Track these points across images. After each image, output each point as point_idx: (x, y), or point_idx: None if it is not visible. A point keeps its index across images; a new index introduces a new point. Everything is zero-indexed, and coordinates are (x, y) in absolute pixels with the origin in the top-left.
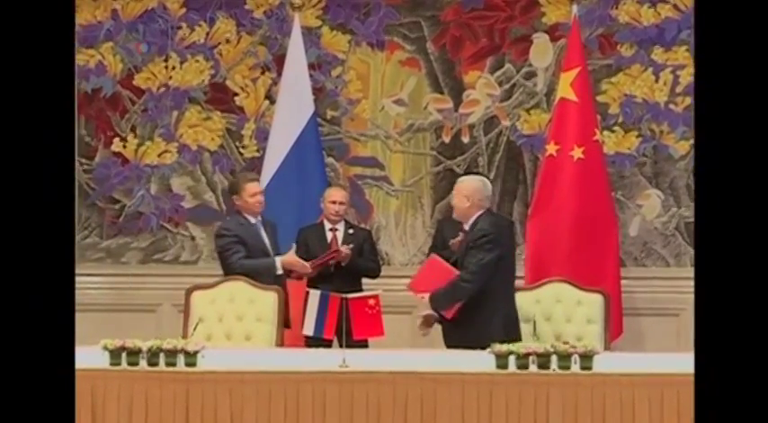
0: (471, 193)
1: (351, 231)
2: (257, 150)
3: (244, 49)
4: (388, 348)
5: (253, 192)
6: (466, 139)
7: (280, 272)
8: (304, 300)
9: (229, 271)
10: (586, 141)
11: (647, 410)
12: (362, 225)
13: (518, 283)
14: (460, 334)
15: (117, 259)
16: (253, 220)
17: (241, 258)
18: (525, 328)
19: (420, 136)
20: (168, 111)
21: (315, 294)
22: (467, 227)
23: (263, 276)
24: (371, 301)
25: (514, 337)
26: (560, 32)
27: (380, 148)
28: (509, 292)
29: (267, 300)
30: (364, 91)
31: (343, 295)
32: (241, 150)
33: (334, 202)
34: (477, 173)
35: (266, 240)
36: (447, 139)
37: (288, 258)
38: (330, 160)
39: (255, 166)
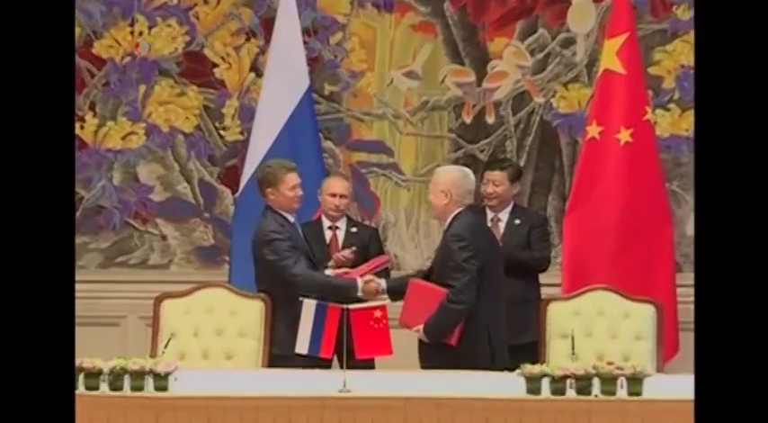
0: (450, 186)
1: (354, 230)
2: (241, 133)
3: (225, 12)
4: (396, 369)
5: (292, 184)
6: (491, 120)
7: (360, 293)
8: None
9: (291, 286)
10: (635, 122)
11: None
12: (367, 222)
13: (553, 291)
14: (439, 360)
15: None
16: (291, 219)
17: (309, 269)
18: (561, 346)
19: (436, 115)
20: (134, 85)
21: (309, 305)
22: (444, 229)
23: (332, 297)
24: (378, 313)
25: (503, 362)
26: None
27: (388, 131)
28: (495, 309)
29: (252, 310)
30: (369, 62)
31: (344, 306)
32: (221, 132)
33: (333, 195)
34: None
35: (306, 245)
36: (468, 120)
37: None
38: (328, 145)
39: (238, 151)
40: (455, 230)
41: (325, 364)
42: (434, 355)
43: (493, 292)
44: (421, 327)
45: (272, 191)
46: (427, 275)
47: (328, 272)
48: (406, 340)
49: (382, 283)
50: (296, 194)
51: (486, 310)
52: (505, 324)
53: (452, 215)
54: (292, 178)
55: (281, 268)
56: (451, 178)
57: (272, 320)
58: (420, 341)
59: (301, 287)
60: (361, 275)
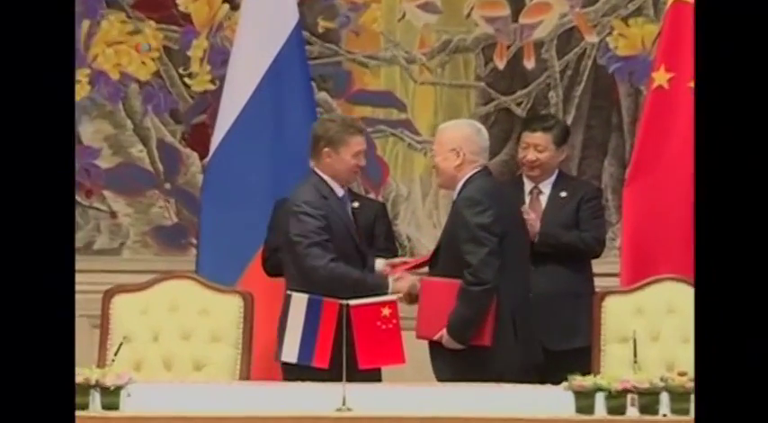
0: (461, 143)
1: (355, 205)
2: (211, 81)
3: None
4: (409, 381)
5: (357, 149)
6: (530, 65)
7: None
8: (283, 308)
9: (310, 279)
10: None
11: None
12: (372, 195)
13: (609, 283)
14: (455, 362)
15: None
16: (341, 193)
17: (332, 261)
18: (620, 353)
19: (460, 59)
20: (76, 21)
21: (300, 300)
22: (454, 196)
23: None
24: (386, 311)
25: (535, 358)
26: None
27: (400, 79)
28: (520, 294)
29: (227, 308)
30: None
31: (344, 301)
32: (187, 81)
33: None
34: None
35: (353, 225)
36: (501, 65)
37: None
38: (323, 97)
39: (208, 104)
40: (467, 193)
41: (320, 376)
42: (451, 361)
43: (517, 273)
44: (444, 331)
45: (330, 152)
46: (434, 257)
47: (379, 264)
48: (421, 345)
49: (417, 283)
50: (357, 163)
51: (509, 295)
52: (542, 320)
53: (464, 179)
54: (359, 142)
55: (300, 254)
56: (462, 134)
57: (253, 320)
58: (432, 346)
59: (319, 280)
60: (408, 270)
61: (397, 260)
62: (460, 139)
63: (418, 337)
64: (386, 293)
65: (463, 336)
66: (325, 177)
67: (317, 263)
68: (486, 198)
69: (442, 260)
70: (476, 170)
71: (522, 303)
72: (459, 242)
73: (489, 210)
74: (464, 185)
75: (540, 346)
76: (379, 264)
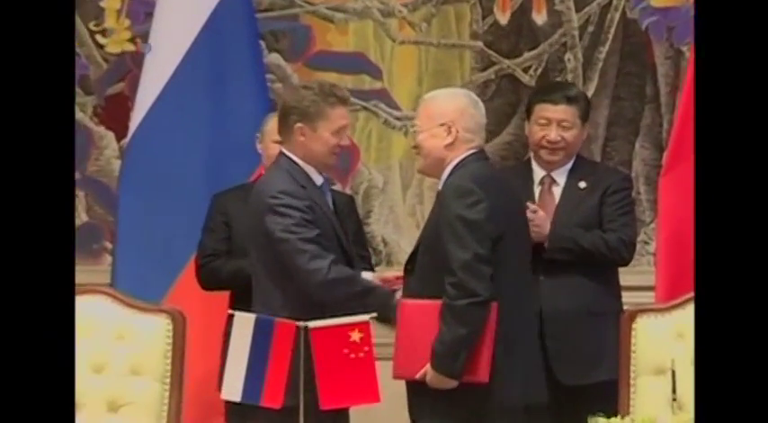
0: (453, 117)
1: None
2: (131, 41)
3: None
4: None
5: (339, 125)
6: (540, 18)
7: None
8: (224, 331)
9: (308, 284)
10: None
11: None
12: (338, 186)
13: (641, 298)
14: (437, 401)
15: None
16: (319, 181)
17: (332, 262)
18: (655, 387)
19: (451, 12)
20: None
21: (245, 321)
22: (440, 186)
23: (366, 308)
24: (356, 335)
25: (540, 397)
26: None
27: (373, 37)
28: (521, 312)
29: (152, 332)
30: None
31: (301, 323)
32: (99, 39)
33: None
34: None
35: (336, 220)
36: (504, 19)
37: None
38: (275, 59)
39: (127, 70)
40: (456, 181)
41: (272, 418)
42: (432, 400)
43: (520, 286)
44: (428, 366)
45: (303, 128)
46: (410, 262)
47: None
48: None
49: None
50: (338, 142)
51: (510, 315)
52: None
53: (454, 163)
54: (341, 115)
55: (287, 254)
56: (456, 105)
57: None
58: (409, 386)
59: (320, 286)
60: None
61: (390, 274)
62: (453, 112)
63: (396, 376)
64: (393, 302)
65: (452, 367)
66: (299, 161)
67: (317, 264)
68: (479, 188)
69: (421, 267)
70: (469, 152)
71: (525, 325)
72: (440, 244)
73: (481, 203)
74: (453, 171)
75: (543, 382)
76: (367, 277)
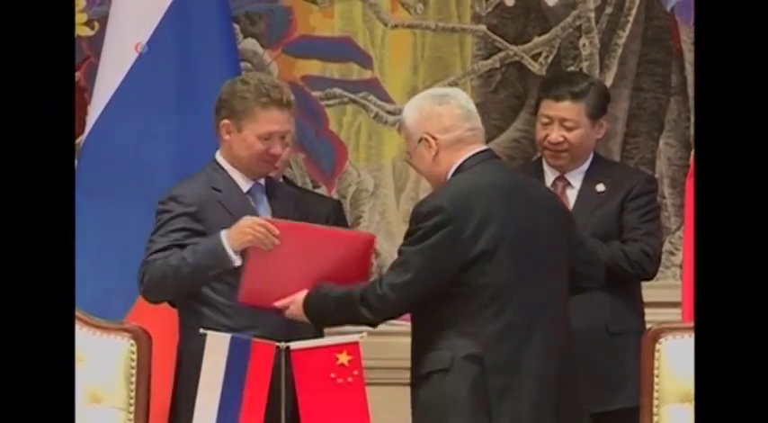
0: (424, 126)
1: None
2: (88, 24)
3: None
4: None
5: (267, 130)
6: (552, 0)
7: (238, 263)
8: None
9: (144, 280)
10: None
11: None
12: (322, 189)
13: (666, 316)
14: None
15: None
16: (246, 186)
17: (171, 256)
18: (682, 417)
19: None
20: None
21: (218, 341)
22: None
23: (206, 279)
24: (343, 357)
25: None
26: None
27: (362, 20)
28: (534, 334)
29: (113, 353)
30: None
31: (283, 344)
32: None
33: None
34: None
35: None
36: (510, 0)
37: (244, 230)
38: (251, 44)
39: (85, 56)
40: (430, 196)
41: None
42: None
43: (524, 309)
44: (302, 297)
45: (229, 125)
46: None
47: None
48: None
49: None
50: (267, 149)
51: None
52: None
53: (451, 173)
54: (272, 120)
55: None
56: (418, 115)
57: (150, 371)
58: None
59: (150, 279)
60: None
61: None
62: (419, 124)
63: (242, 300)
64: (230, 259)
65: (316, 322)
66: (223, 163)
67: (154, 257)
68: (449, 202)
69: None
70: (466, 157)
71: (553, 354)
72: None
73: (448, 225)
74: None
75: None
76: (223, 235)
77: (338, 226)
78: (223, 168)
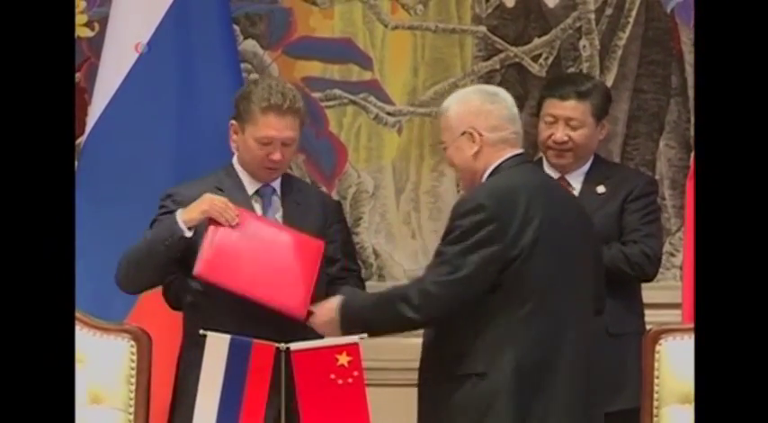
0: (471, 121)
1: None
2: (88, 25)
3: None
4: None
5: (263, 134)
6: (552, 1)
7: (188, 233)
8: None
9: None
10: None
11: None
12: (322, 189)
13: (666, 317)
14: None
15: None
16: (251, 188)
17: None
18: (680, 417)
19: None
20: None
21: (218, 343)
22: None
23: (160, 254)
24: (343, 358)
25: None
26: None
27: (363, 21)
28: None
29: (114, 355)
30: None
31: (282, 345)
32: None
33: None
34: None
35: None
36: (510, 1)
37: (202, 204)
38: (251, 46)
39: (85, 57)
40: (469, 194)
41: None
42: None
43: (548, 309)
44: (335, 304)
45: (236, 126)
46: None
47: None
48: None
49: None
50: (266, 154)
51: (523, 341)
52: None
53: (489, 171)
54: (269, 125)
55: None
56: (470, 107)
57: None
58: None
59: (119, 275)
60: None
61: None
62: (468, 116)
63: (198, 272)
64: (180, 230)
65: (350, 328)
66: (235, 164)
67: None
68: (492, 201)
69: None
70: (506, 157)
71: (573, 362)
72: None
73: (491, 220)
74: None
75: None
76: (179, 214)
77: (337, 228)
78: (234, 169)
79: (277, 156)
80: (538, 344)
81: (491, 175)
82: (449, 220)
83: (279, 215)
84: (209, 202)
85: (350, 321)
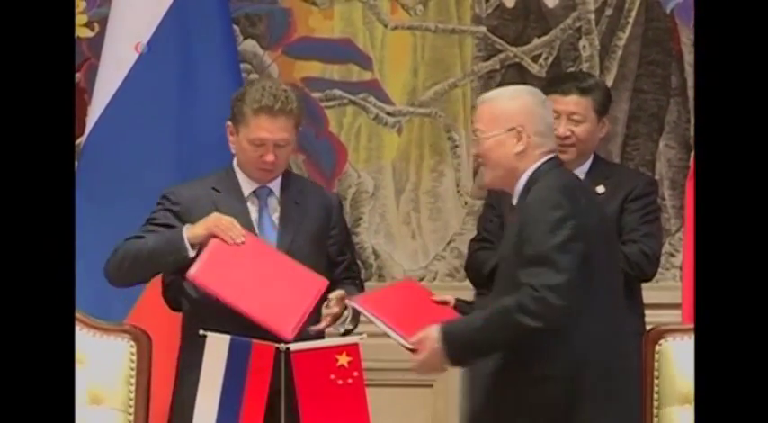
0: (522, 119)
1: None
2: (88, 25)
3: None
4: None
5: (255, 136)
6: (551, 2)
7: (192, 253)
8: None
9: (107, 262)
10: None
11: None
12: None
13: (666, 317)
14: None
15: None
16: (248, 189)
17: (136, 241)
18: (680, 418)
19: None
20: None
21: (218, 343)
22: (515, 200)
23: (161, 266)
24: (343, 358)
25: None
26: None
27: (362, 21)
28: (610, 341)
29: (113, 355)
30: None
31: (282, 345)
32: None
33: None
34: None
35: (267, 238)
36: (510, 2)
37: (208, 222)
38: (251, 45)
39: (85, 57)
40: (540, 194)
41: None
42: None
43: (607, 311)
44: (435, 332)
45: (231, 127)
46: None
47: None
48: (397, 406)
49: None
50: (258, 156)
51: (597, 344)
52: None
53: (529, 173)
54: (260, 127)
55: None
56: (523, 105)
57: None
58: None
59: (112, 260)
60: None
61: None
62: (520, 114)
63: (192, 276)
64: (185, 250)
65: (459, 356)
66: (234, 165)
67: (123, 242)
68: (567, 200)
69: (500, 288)
70: (545, 159)
71: (614, 358)
72: (519, 262)
73: (572, 219)
74: (529, 182)
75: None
76: (185, 230)
77: (339, 228)
78: (233, 170)
79: (270, 157)
80: (601, 346)
81: (532, 175)
82: (536, 223)
83: (276, 216)
84: (216, 221)
85: (457, 347)
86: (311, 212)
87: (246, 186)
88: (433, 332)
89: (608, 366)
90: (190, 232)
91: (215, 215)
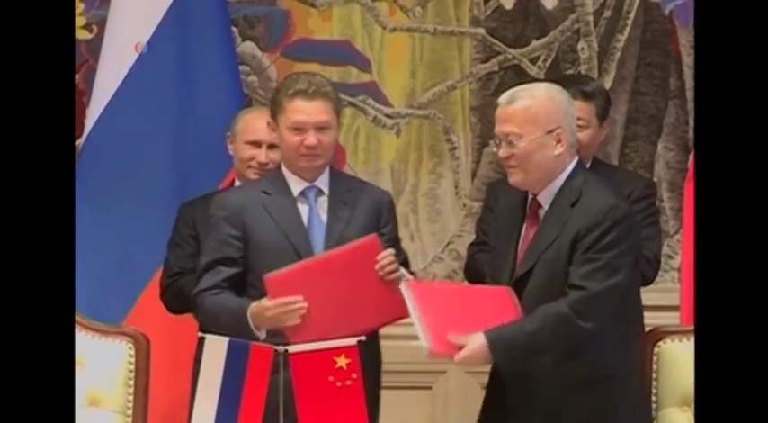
0: (560, 120)
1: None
2: (86, 27)
3: None
4: None
5: (294, 119)
6: (550, 4)
7: (262, 336)
8: (194, 356)
9: (179, 305)
10: None
11: None
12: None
13: (665, 319)
14: None
15: None
16: (298, 188)
17: (217, 288)
18: (678, 419)
19: None
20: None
21: (216, 345)
22: (545, 203)
23: (222, 330)
24: (342, 360)
25: None
26: None
27: (361, 23)
28: (632, 338)
29: (112, 357)
30: None
31: (281, 347)
32: None
33: (256, 144)
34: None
35: (314, 240)
36: (509, 4)
37: (263, 320)
38: (250, 47)
39: (83, 59)
40: (605, 199)
41: None
42: None
43: (633, 316)
44: (482, 340)
45: (272, 123)
46: (522, 282)
47: None
48: (400, 406)
49: None
50: (301, 140)
51: (624, 347)
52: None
53: (566, 175)
54: (297, 109)
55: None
56: (559, 106)
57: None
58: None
59: (194, 307)
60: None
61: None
62: (558, 114)
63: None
64: (248, 325)
65: (508, 362)
66: (282, 167)
67: (200, 287)
68: (619, 211)
69: (540, 288)
70: (576, 161)
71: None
72: (567, 268)
73: (625, 226)
74: (566, 184)
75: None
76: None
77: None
78: (281, 173)
79: (311, 140)
80: (638, 349)
81: (567, 179)
82: (591, 226)
83: (324, 216)
84: (271, 315)
85: (506, 349)
86: (360, 211)
87: (295, 186)
88: (478, 337)
89: (640, 369)
90: (257, 321)
91: (262, 306)
